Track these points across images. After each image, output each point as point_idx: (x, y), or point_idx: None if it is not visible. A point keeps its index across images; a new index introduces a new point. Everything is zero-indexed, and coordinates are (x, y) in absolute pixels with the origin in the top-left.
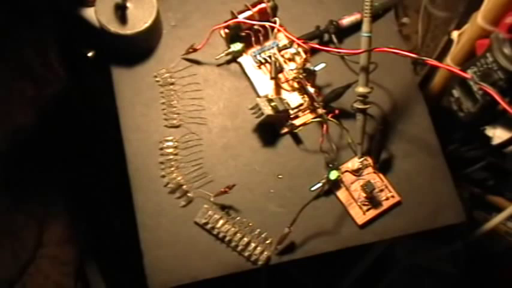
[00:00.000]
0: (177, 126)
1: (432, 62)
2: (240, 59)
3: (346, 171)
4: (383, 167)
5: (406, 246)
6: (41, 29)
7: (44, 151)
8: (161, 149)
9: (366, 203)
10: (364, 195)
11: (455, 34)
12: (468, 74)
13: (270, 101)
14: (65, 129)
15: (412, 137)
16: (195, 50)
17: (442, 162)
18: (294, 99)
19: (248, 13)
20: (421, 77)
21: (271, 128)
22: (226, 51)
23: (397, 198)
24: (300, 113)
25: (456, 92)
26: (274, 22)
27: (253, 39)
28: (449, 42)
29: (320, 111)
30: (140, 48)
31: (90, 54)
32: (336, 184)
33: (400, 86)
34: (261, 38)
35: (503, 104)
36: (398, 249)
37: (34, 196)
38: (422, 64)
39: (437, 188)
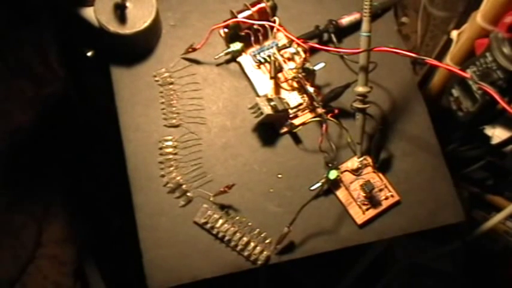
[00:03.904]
0: (177, 126)
1: (431, 61)
2: (239, 59)
3: (346, 170)
4: (382, 166)
5: (405, 246)
6: (40, 29)
7: (42, 151)
8: (160, 148)
9: (366, 202)
10: (364, 194)
11: (454, 33)
12: (467, 74)
13: (269, 100)
14: (64, 129)
15: (412, 136)
16: (194, 50)
17: (442, 162)
18: (293, 98)
19: (247, 13)
20: (421, 76)
21: (271, 128)
22: (225, 51)
23: (396, 198)
24: (299, 113)
25: (455, 92)
26: (274, 22)
27: (252, 38)
28: (449, 41)
29: (319, 110)
30: (139, 47)
31: (89, 53)
32: (336, 184)
33: (399, 85)
34: (261, 38)
35: (503, 104)
36: (398, 249)
37: (33, 196)
38: (421, 64)
39: (437, 187)
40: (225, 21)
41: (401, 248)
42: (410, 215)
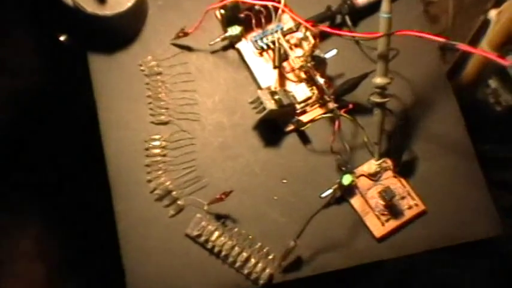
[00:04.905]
0: (166, 123)
1: (464, 47)
2: (238, 45)
3: (362, 175)
4: (405, 170)
5: (429, 259)
6: (7, 10)
7: (14, 156)
8: (147, 149)
9: (385, 212)
10: (383, 203)
11: (493, 13)
12: (508, 61)
13: (273, 93)
14: (38, 129)
15: (439, 135)
16: (186, 35)
17: (475, 165)
18: (300, 91)
19: None
20: (451, 65)
21: (275, 125)
22: (222, 36)
23: (421, 207)
24: (307, 108)
25: (493, 83)
26: (279, 2)
27: (253, 21)
28: (486, 23)
29: (331, 105)
30: (122, 32)
31: (62, 38)
32: (350, 190)
33: (425, 75)
34: (263, 20)
35: None
36: (420, 261)
37: (2, 206)
38: (452, 50)
39: (470, 195)
40: (221, 1)
41: (425, 261)
42: (437, 228)
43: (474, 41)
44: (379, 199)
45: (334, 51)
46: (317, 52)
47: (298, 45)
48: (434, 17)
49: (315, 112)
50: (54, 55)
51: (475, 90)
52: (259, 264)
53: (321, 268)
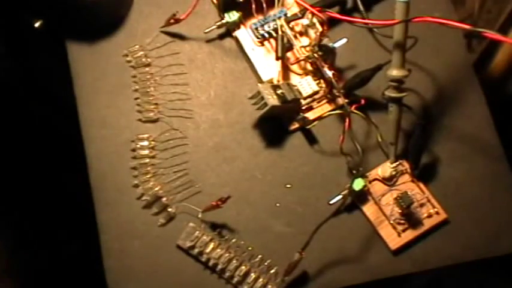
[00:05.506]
0: (155, 121)
1: (493, 35)
2: (236, 33)
3: (375, 179)
4: (424, 174)
5: (453, 275)
6: None
7: None
8: (133, 150)
9: (402, 221)
10: (399, 211)
11: None
12: None
13: (275, 88)
14: (6, 128)
15: (464, 135)
16: (177, 21)
17: (505, 169)
18: (306, 85)
19: None
20: (478, 55)
21: (277, 124)
22: (218, 23)
23: (442, 216)
24: (314, 104)
25: None
26: None
27: (253, 6)
28: None
29: (341, 101)
30: (105, 17)
31: (37, 24)
32: (362, 196)
33: (448, 67)
34: (264, 5)
35: None
36: (447, 279)
37: None
38: (479, 38)
39: (498, 202)
40: None
41: (452, 278)
42: (461, 240)
43: (505, 28)
44: (395, 206)
45: (344, 40)
46: (325, 41)
47: (303, 33)
48: (458, 0)
49: (323, 109)
50: (28, 44)
51: (506, 85)
52: (260, 280)
53: (330, 284)
